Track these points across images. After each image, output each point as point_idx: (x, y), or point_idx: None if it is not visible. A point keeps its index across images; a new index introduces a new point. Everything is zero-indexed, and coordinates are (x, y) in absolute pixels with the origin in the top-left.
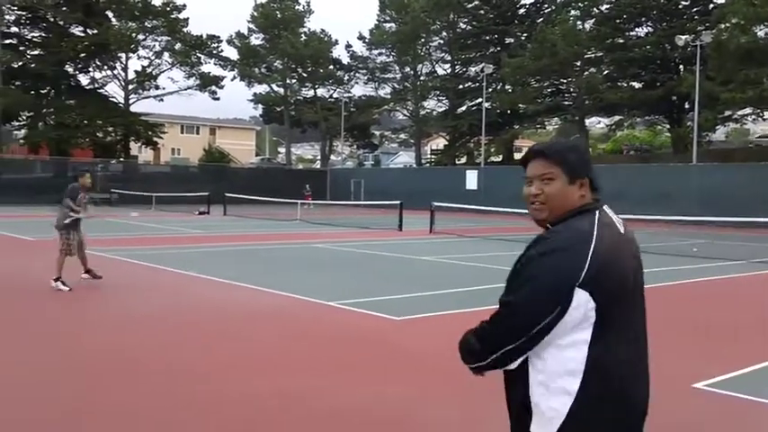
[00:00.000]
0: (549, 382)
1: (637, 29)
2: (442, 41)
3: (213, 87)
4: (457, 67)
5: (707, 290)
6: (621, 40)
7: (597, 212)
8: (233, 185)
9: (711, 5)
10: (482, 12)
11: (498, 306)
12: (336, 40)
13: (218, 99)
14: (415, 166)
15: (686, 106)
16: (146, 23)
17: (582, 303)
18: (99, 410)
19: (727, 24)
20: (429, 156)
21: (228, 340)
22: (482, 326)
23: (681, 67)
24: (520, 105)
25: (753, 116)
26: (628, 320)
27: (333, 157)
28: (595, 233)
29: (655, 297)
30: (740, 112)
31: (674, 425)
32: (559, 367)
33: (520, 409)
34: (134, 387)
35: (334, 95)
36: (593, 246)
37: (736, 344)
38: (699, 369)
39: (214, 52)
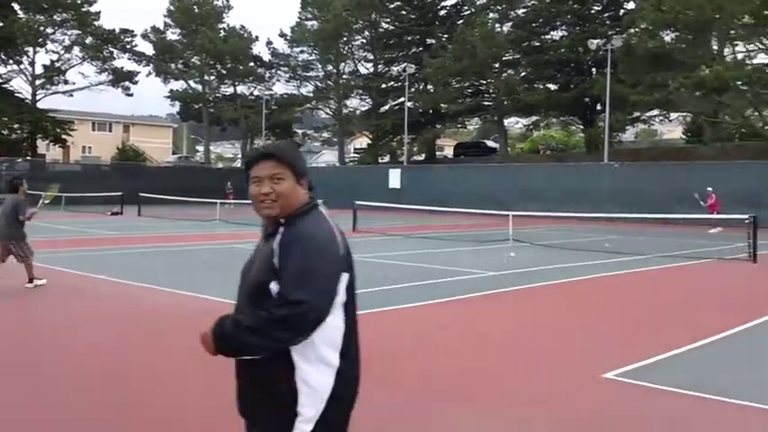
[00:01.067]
0: (316, 358)
1: (552, 32)
2: (364, 41)
3: (126, 83)
4: (380, 66)
5: (618, 283)
6: (538, 44)
7: (321, 207)
8: (148, 185)
9: (622, 11)
10: (404, 12)
11: (285, 303)
12: (257, 37)
13: (131, 95)
14: (338, 164)
15: (598, 108)
16: (54, 16)
17: (344, 286)
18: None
19: (637, 29)
20: (352, 154)
21: (142, 345)
22: (261, 320)
23: (593, 70)
24: (442, 105)
25: (660, 117)
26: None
27: None
28: (332, 223)
29: (568, 291)
30: (648, 114)
31: (584, 415)
32: (323, 344)
33: (280, 395)
34: (40, 392)
35: (255, 93)
36: (338, 234)
37: (646, 334)
38: (609, 359)
39: (128, 47)
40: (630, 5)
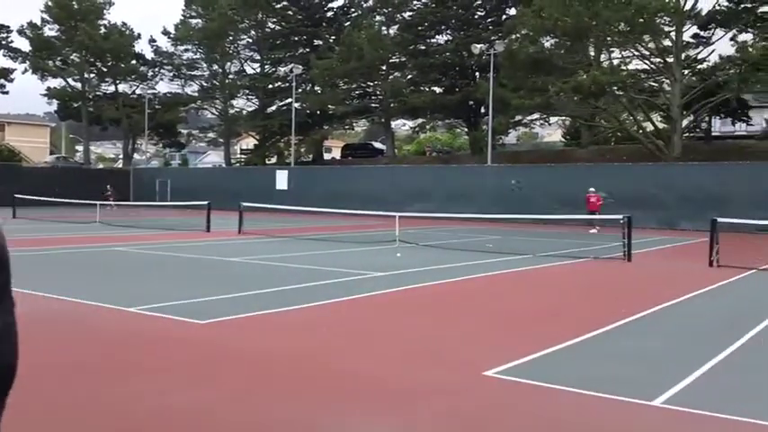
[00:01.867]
0: None
1: (437, 36)
2: (250, 40)
3: (1, 80)
4: (266, 66)
5: (498, 282)
6: (423, 47)
7: None
8: (24, 186)
9: (504, 17)
10: (290, 12)
11: None
12: (139, 35)
13: (6, 93)
14: (224, 165)
15: (482, 111)
16: None
17: None
18: None
19: (518, 35)
20: (239, 155)
21: (25, 353)
22: None
23: (477, 73)
24: (329, 106)
25: (540, 121)
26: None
27: (137, 156)
28: None
29: (452, 290)
30: (529, 117)
31: (467, 411)
32: None
33: None
34: None
35: (138, 92)
36: None
37: (526, 332)
38: (489, 357)
39: (3, 42)
40: (512, 12)
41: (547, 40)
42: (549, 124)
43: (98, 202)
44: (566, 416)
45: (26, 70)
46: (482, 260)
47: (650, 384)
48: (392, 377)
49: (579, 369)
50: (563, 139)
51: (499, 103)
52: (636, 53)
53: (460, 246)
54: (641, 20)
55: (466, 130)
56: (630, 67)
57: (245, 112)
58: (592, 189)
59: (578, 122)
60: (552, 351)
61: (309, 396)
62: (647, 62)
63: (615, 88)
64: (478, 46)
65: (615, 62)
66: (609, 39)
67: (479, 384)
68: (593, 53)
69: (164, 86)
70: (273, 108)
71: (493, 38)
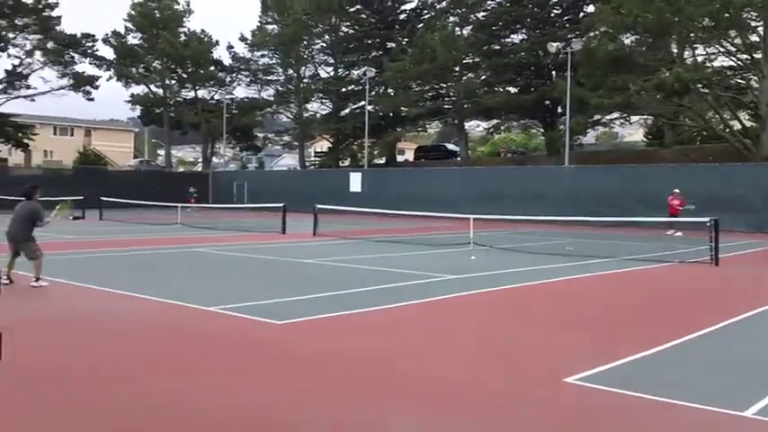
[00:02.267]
0: None
1: (512, 36)
2: (324, 45)
3: (88, 88)
4: (340, 70)
5: (580, 287)
6: (497, 47)
7: None
8: (110, 189)
9: (582, 14)
10: (364, 16)
11: None
12: (217, 41)
13: (92, 100)
14: (298, 168)
15: (558, 110)
16: (16, 21)
17: None
18: None
19: (596, 32)
20: (313, 158)
21: (109, 348)
22: None
23: (553, 73)
24: (402, 108)
25: (620, 120)
26: None
27: (215, 159)
28: None
29: (531, 294)
30: (608, 117)
31: (544, 420)
32: None
33: None
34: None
35: (216, 97)
36: None
37: (608, 338)
38: (570, 363)
39: (89, 51)
40: (590, 8)
41: (627, 37)
42: (630, 123)
43: (179, 204)
44: (651, 426)
45: (111, 78)
46: (561, 264)
47: (740, 394)
48: (468, 382)
49: (665, 376)
50: (645, 139)
51: (577, 103)
52: (721, 49)
53: (538, 249)
54: (726, 15)
55: (542, 130)
56: (716, 63)
57: (319, 115)
58: (677, 190)
59: (661, 121)
60: (636, 358)
61: (383, 398)
62: (733, 59)
63: (700, 86)
64: (555, 44)
65: (699, 59)
66: (692, 35)
67: (560, 391)
68: (675, 50)
69: (241, 91)
70: (347, 111)
71: (570, 36)
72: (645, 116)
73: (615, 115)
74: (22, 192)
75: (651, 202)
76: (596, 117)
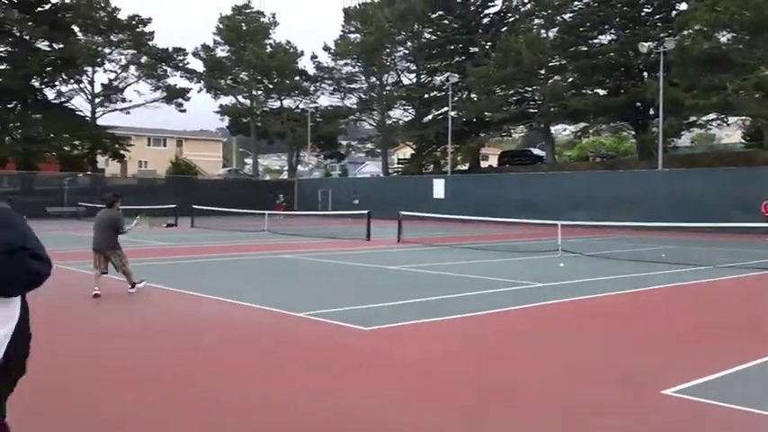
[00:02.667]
0: None
1: (600, 36)
2: (407, 51)
3: (179, 100)
4: (422, 76)
5: (675, 295)
6: (585, 48)
7: None
8: (200, 197)
9: (674, 12)
10: (446, 21)
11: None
12: (302, 51)
13: (184, 111)
14: (382, 175)
15: (651, 112)
16: (111, 37)
17: None
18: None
19: (690, 31)
20: (396, 165)
21: (203, 351)
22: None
23: (645, 73)
24: (486, 113)
25: (717, 121)
26: None
27: (300, 167)
28: None
29: (624, 303)
30: (704, 118)
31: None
32: None
33: None
34: (125, 393)
35: (301, 106)
36: None
37: (705, 349)
38: (667, 374)
39: (180, 65)
40: (683, 6)
41: (723, 35)
42: (728, 125)
43: (266, 212)
44: None
45: (201, 89)
46: (655, 271)
47: None
48: (558, 392)
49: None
50: (743, 141)
51: (670, 104)
52: None
53: (630, 256)
54: None
55: (633, 133)
56: None
57: (401, 122)
58: None
59: (760, 122)
60: (738, 369)
61: (467, 406)
62: None
63: None
64: (646, 44)
65: None
66: None
67: (658, 404)
68: None
69: (325, 100)
70: (429, 117)
71: (662, 35)
72: (743, 117)
73: (711, 116)
74: (104, 200)
75: (749, 206)
76: (691, 118)
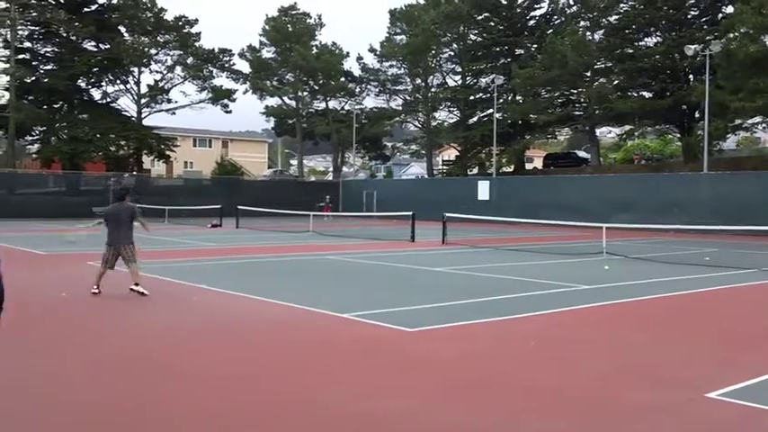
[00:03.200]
0: None
1: (646, 39)
2: (452, 53)
3: (225, 101)
4: (468, 78)
5: (720, 298)
6: (631, 51)
7: None
8: (245, 198)
9: (720, 15)
10: (492, 23)
11: None
12: (348, 53)
13: (230, 112)
14: (426, 176)
15: (696, 115)
16: (158, 38)
17: None
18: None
19: (736, 34)
20: (441, 166)
21: (255, 352)
22: None
23: (690, 76)
24: (531, 116)
25: (763, 124)
26: None
27: (345, 168)
28: None
29: (669, 305)
30: (750, 121)
31: None
32: None
33: None
34: (172, 391)
35: (346, 107)
36: None
37: (750, 353)
38: (713, 377)
39: (226, 66)
40: (729, 9)
41: None
42: None
43: (311, 213)
44: None
45: (246, 91)
46: (699, 274)
47: None
48: (603, 395)
49: None
50: None
51: (716, 107)
52: None
53: (675, 259)
54: None
55: (678, 136)
56: None
57: (446, 123)
58: None
59: None
60: None
61: (511, 408)
62: None
63: None
64: (692, 47)
65: None
66: None
67: (703, 407)
68: None
69: (370, 101)
70: (474, 119)
71: (708, 38)
72: None
73: (757, 119)
74: (117, 196)
75: None
76: (737, 121)
